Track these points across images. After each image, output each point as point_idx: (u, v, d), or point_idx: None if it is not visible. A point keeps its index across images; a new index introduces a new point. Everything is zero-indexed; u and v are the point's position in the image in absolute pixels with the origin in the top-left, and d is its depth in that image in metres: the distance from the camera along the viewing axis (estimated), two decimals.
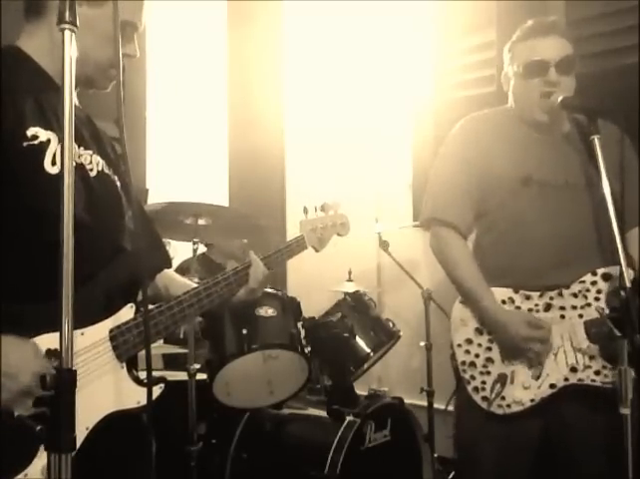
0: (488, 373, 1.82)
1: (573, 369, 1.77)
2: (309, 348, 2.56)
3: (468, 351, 1.85)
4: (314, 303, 2.79)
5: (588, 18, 2.85)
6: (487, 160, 1.88)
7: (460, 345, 1.86)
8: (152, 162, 3.66)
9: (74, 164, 1.28)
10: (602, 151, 1.63)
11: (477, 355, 1.84)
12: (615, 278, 1.76)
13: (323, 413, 2.55)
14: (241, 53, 4.13)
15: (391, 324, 2.74)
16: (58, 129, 1.28)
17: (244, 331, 2.37)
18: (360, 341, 2.63)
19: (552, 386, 1.78)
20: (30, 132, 1.24)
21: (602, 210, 1.86)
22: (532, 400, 1.78)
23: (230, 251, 3.31)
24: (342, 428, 2.37)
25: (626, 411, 1.47)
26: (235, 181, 4.12)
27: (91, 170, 1.36)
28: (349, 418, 2.41)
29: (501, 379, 1.79)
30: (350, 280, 2.91)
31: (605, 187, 1.60)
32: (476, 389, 1.82)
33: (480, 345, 1.84)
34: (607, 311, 1.76)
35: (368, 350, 2.63)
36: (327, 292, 2.93)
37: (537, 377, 1.78)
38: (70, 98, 1.00)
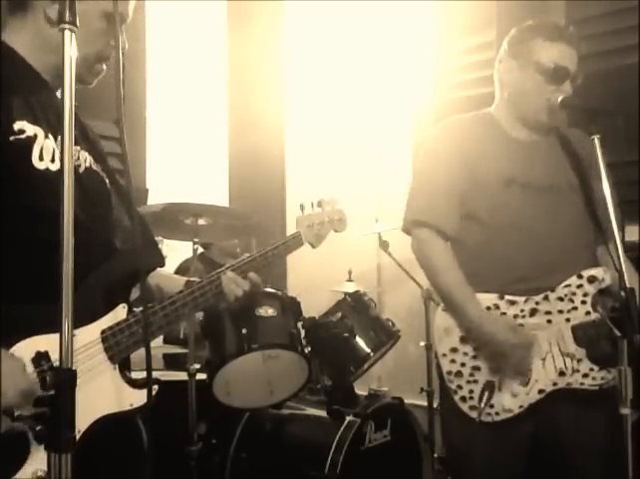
0: (476, 382, 1.78)
1: (562, 374, 1.75)
2: (309, 348, 2.55)
3: (453, 361, 1.80)
4: (314, 303, 2.79)
5: (588, 18, 2.85)
6: (471, 160, 1.85)
7: (445, 355, 1.81)
8: (152, 162, 3.65)
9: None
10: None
11: (463, 364, 1.79)
12: (600, 281, 1.76)
13: (323, 413, 2.55)
14: (241, 53, 4.12)
15: (391, 324, 2.74)
16: (45, 123, 1.26)
17: (244, 331, 2.37)
18: (360, 341, 2.63)
19: (541, 392, 1.75)
20: (17, 126, 1.22)
21: (589, 211, 1.85)
22: (521, 406, 1.75)
23: (229, 250, 3.31)
24: (342, 428, 2.37)
25: (626, 411, 1.47)
26: (235, 181, 4.12)
27: (79, 166, 1.34)
28: (349, 418, 2.41)
29: (489, 387, 1.75)
30: (350, 280, 2.90)
31: (605, 187, 1.58)
32: (463, 399, 1.78)
33: (465, 354, 1.79)
34: (595, 314, 1.74)
35: (368, 350, 2.63)
36: (327, 292, 2.92)
37: (526, 384, 1.75)
38: (70, 97, 0.99)
